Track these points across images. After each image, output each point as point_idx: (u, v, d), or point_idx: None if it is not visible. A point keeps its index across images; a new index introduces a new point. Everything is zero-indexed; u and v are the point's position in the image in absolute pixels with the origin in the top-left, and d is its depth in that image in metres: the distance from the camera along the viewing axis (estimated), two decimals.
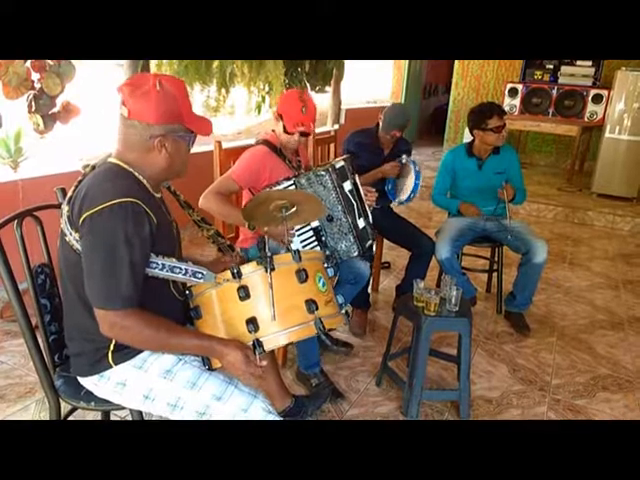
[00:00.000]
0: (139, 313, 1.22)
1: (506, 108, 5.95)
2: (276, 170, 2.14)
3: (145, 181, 1.30)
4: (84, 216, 1.19)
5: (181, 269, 1.30)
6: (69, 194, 1.28)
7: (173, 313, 1.37)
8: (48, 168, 3.02)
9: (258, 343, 1.30)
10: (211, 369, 1.34)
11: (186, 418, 1.31)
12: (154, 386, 1.31)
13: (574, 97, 6.05)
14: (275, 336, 1.32)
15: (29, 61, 2.48)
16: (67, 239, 1.25)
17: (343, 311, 1.51)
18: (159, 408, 1.33)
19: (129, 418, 1.47)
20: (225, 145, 2.44)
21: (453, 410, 2.18)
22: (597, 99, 5.91)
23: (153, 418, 1.88)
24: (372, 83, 9.66)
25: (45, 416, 1.97)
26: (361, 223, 2.15)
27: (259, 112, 5.10)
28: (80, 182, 1.29)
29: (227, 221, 2.31)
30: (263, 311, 1.33)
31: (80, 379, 1.38)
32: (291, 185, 2.06)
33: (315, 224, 2.11)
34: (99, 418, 1.85)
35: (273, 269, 1.34)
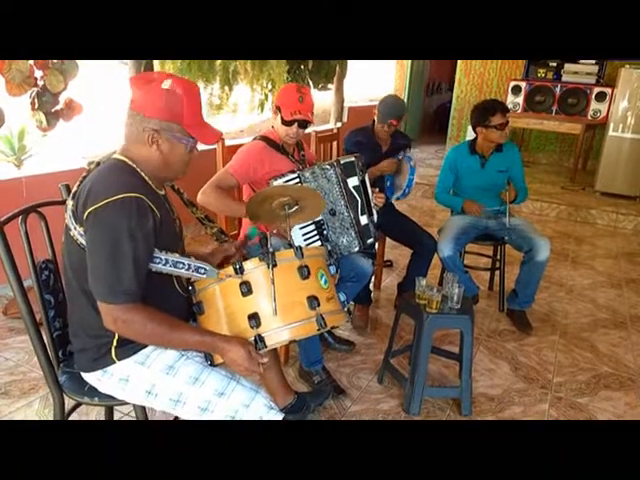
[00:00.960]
0: (142, 308, 1.23)
1: (509, 106, 5.92)
2: (276, 164, 2.14)
3: (147, 178, 1.31)
4: (88, 211, 1.20)
5: (184, 264, 1.31)
6: (74, 189, 1.30)
7: (177, 309, 1.38)
8: (51, 165, 3.03)
9: (260, 339, 1.31)
10: (213, 365, 1.35)
11: (188, 413, 1.32)
12: (157, 382, 1.32)
13: (577, 95, 6.02)
14: (277, 332, 1.33)
15: None
16: (72, 234, 1.27)
17: (345, 309, 1.52)
18: (162, 403, 1.34)
19: (132, 414, 1.48)
20: (228, 143, 2.44)
21: (455, 407, 2.18)
22: (601, 97, 5.88)
23: (156, 413, 1.90)
24: (375, 81, 9.66)
25: (49, 412, 1.98)
26: (364, 220, 2.16)
27: (262, 110, 5.10)
28: (85, 177, 1.30)
29: (226, 214, 2.32)
30: (265, 307, 1.33)
31: (84, 375, 1.39)
32: (295, 178, 2.07)
33: (317, 217, 2.12)
34: (102, 414, 1.86)
35: (275, 265, 1.34)
